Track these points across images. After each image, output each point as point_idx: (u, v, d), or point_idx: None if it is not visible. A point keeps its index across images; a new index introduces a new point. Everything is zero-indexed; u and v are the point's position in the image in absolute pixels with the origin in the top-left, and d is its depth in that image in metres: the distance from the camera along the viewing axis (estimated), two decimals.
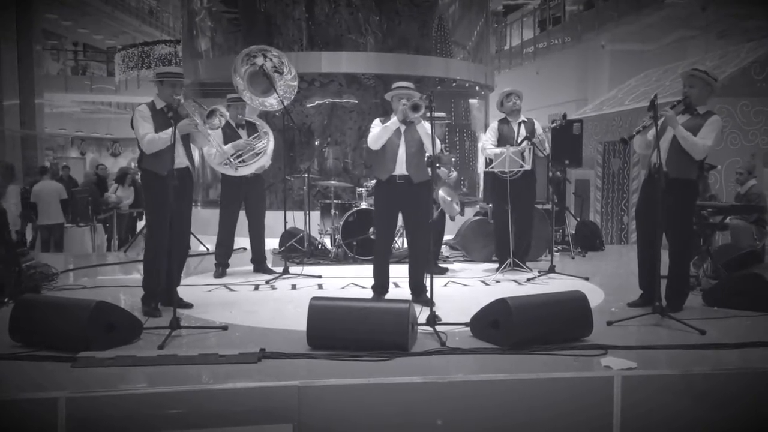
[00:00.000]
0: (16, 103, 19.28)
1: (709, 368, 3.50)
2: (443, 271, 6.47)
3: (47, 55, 26.43)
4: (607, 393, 3.33)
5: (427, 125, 4.89)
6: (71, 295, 5.08)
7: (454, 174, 6.50)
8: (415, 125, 4.93)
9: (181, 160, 4.68)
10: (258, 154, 6.12)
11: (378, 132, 4.97)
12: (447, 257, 7.28)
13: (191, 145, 4.88)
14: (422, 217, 4.98)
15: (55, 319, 3.75)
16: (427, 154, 5.01)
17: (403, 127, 4.99)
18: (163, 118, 4.67)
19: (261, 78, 6.09)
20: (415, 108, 4.83)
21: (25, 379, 3.29)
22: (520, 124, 6.49)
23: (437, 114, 6.61)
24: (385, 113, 5.13)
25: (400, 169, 4.97)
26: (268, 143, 6.19)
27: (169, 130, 4.50)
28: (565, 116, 6.77)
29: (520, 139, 6.38)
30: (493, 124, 6.68)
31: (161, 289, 4.74)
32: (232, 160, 5.82)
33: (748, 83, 8.56)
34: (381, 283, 5.13)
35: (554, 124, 6.91)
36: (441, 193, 6.16)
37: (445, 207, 6.17)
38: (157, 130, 4.62)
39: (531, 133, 6.37)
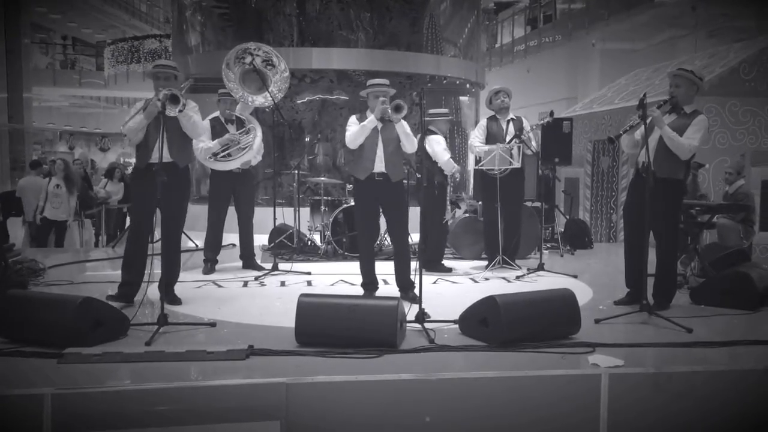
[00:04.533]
0: (4, 97, 19.15)
1: (696, 366, 3.53)
2: (449, 270, 6.47)
3: (36, 48, 26.25)
4: (594, 390, 3.34)
5: (405, 124, 4.90)
6: (58, 290, 5.06)
7: (458, 167, 6.51)
8: (393, 123, 4.92)
9: (164, 154, 4.54)
10: (243, 149, 6.11)
11: (356, 131, 4.94)
12: None
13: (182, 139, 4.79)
14: (403, 215, 5.02)
15: (42, 314, 3.72)
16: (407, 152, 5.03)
17: (380, 125, 4.97)
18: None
19: (254, 76, 6.08)
20: (398, 109, 4.82)
21: (11, 374, 3.27)
22: (508, 121, 6.50)
23: (440, 110, 6.62)
24: (361, 111, 5.12)
25: (379, 167, 4.96)
26: (254, 138, 6.18)
27: (137, 118, 4.56)
28: (552, 114, 6.79)
29: (509, 138, 6.39)
30: (482, 122, 6.70)
31: (136, 281, 4.74)
32: (218, 156, 5.81)
33: (737, 83, 8.60)
34: (369, 281, 5.14)
35: (542, 122, 6.92)
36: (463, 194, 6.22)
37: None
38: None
39: (519, 131, 6.38)
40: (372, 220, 5.22)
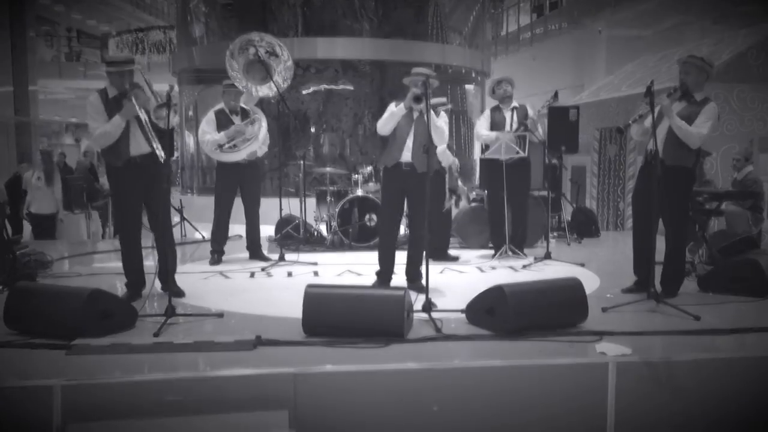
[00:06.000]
0: (10, 91, 19.15)
1: (704, 354, 3.52)
2: (455, 259, 6.46)
3: (41, 41, 26.24)
4: (601, 379, 3.34)
5: (436, 117, 4.87)
6: (66, 282, 5.08)
7: (457, 161, 6.48)
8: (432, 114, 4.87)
9: (140, 147, 4.52)
10: (249, 140, 6.11)
11: (386, 117, 4.97)
12: None
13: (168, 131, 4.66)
14: (423, 207, 4.98)
15: (50, 306, 3.74)
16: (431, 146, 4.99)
17: (416, 115, 4.96)
18: (117, 106, 4.50)
19: (258, 66, 6.07)
20: (417, 99, 4.81)
21: (20, 366, 3.29)
22: (512, 110, 6.48)
23: (438, 99, 6.55)
24: (384, 100, 5.11)
25: (406, 156, 4.95)
26: (260, 129, 6.17)
27: (115, 121, 4.42)
28: (556, 94, 6.73)
29: (514, 127, 6.37)
30: (486, 112, 6.70)
31: (141, 279, 4.72)
32: (224, 147, 5.79)
33: (745, 69, 8.53)
34: (386, 270, 5.11)
35: (547, 104, 6.87)
36: (459, 183, 6.19)
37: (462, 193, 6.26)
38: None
39: (523, 119, 6.36)
40: (395, 209, 5.16)
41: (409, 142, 4.95)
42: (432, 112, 4.79)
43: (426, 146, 4.70)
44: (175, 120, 4.59)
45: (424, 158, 4.90)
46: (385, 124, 4.96)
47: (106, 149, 4.56)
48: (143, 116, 4.45)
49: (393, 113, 4.94)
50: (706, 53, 8.56)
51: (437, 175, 6.36)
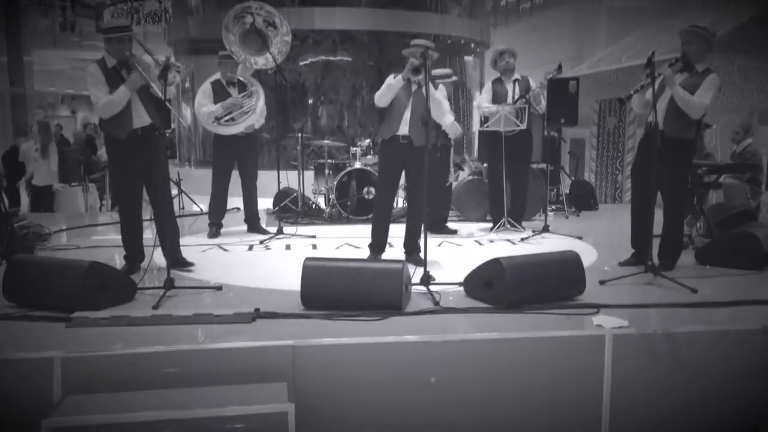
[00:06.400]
0: (4, 61, 18.96)
1: (701, 326, 3.54)
2: (453, 232, 6.47)
3: (35, 10, 25.88)
4: (598, 351, 3.36)
5: (435, 90, 4.82)
6: (64, 255, 5.08)
7: (461, 129, 6.43)
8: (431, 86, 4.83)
9: (142, 119, 4.48)
10: (247, 113, 6.06)
11: (383, 88, 4.92)
12: None
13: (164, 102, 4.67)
14: (421, 180, 4.97)
15: (49, 279, 3.75)
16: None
17: (414, 88, 4.92)
18: (117, 76, 4.43)
19: (254, 36, 5.99)
20: (416, 71, 4.76)
21: (19, 339, 3.30)
22: (514, 82, 6.42)
23: (442, 71, 6.51)
24: (382, 72, 5.07)
25: (403, 129, 4.93)
26: (257, 102, 6.12)
27: (121, 91, 4.36)
28: (560, 67, 6.67)
29: (515, 98, 6.32)
30: (487, 85, 6.63)
31: (139, 251, 4.71)
32: (221, 120, 5.75)
33: (746, 40, 8.46)
34: (378, 242, 5.12)
35: (550, 76, 6.82)
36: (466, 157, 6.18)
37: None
38: (112, 92, 4.39)
39: (525, 91, 6.31)
40: (392, 182, 5.15)
41: (407, 115, 4.92)
42: (431, 84, 4.76)
43: (425, 119, 4.66)
44: (171, 91, 4.53)
45: (422, 131, 4.87)
46: (382, 96, 4.92)
47: (106, 120, 4.50)
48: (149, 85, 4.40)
49: (391, 85, 4.90)
50: (708, 23, 8.47)
51: (444, 148, 6.34)
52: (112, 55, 4.48)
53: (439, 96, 4.95)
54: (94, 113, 4.48)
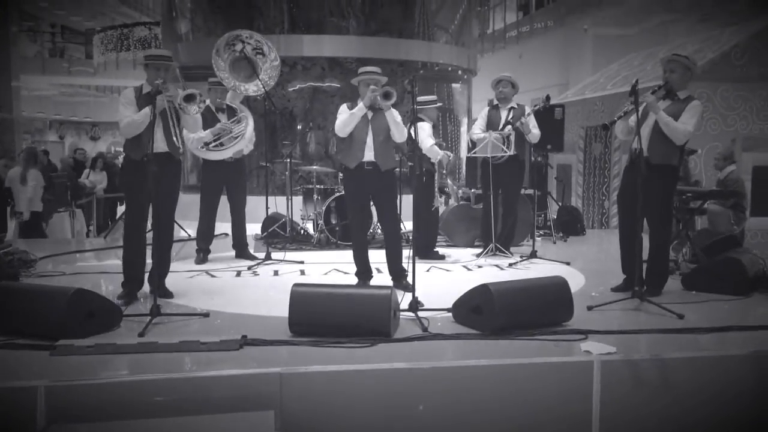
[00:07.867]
0: None
1: (688, 352, 3.54)
2: (441, 257, 6.47)
3: (24, 36, 25.96)
4: (586, 377, 3.36)
5: (395, 113, 4.90)
6: (50, 282, 5.04)
7: (443, 153, 6.49)
8: (383, 112, 4.90)
9: (158, 145, 4.53)
10: (236, 138, 6.08)
11: (345, 118, 4.93)
12: None
13: (180, 129, 4.74)
14: (393, 204, 5.05)
15: (34, 306, 3.71)
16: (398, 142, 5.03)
17: (370, 114, 4.96)
18: (147, 101, 4.53)
19: (244, 63, 6.03)
20: (387, 96, 4.81)
21: (3, 367, 3.25)
22: (509, 110, 6.50)
23: (428, 97, 6.59)
24: (353, 99, 5.11)
25: (369, 156, 4.95)
26: (246, 127, 6.14)
27: (144, 111, 4.46)
28: (548, 98, 6.76)
29: (502, 124, 6.39)
30: (484, 111, 6.72)
31: (140, 277, 4.68)
32: (210, 145, 5.77)
33: (729, 68, 8.60)
34: (362, 270, 5.15)
35: (536, 107, 6.92)
36: (449, 181, 6.20)
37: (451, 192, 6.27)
38: None
39: (516, 119, 6.37)
40: (362, 209, 5.22)
41: (369, 141, 4.94)
42: (391, 108, 4.85)
43: (412, 147, 4.72)
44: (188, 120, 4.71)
45: (388, 156, 4.97)
46: (345, 126, 4.92)
47: (128, 142, 4.61)
48: (169, 114, 4.57)
49: (353, 114, 4.91)
50: (691, 51, 8.63)
51: (427, 173, 6.37)
52: (149, 81, 4.63)
53: (399, 118, 4.98)
54: (119, 133, 4.59)
